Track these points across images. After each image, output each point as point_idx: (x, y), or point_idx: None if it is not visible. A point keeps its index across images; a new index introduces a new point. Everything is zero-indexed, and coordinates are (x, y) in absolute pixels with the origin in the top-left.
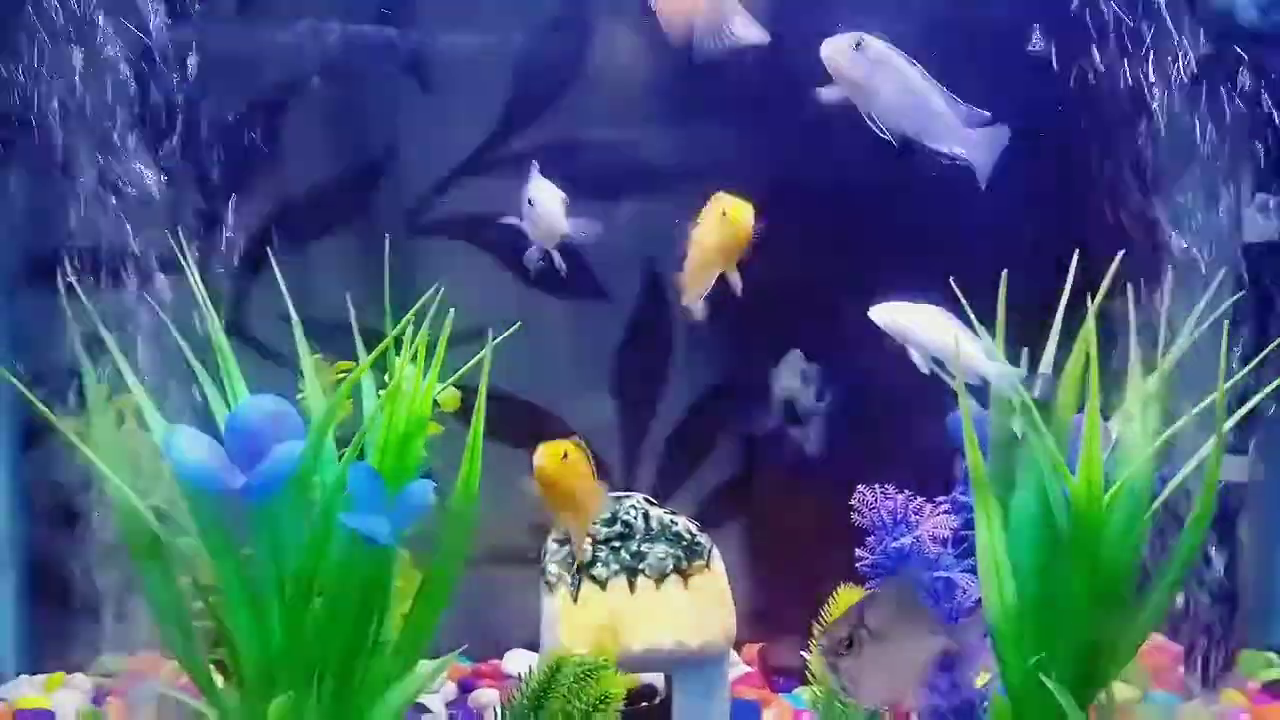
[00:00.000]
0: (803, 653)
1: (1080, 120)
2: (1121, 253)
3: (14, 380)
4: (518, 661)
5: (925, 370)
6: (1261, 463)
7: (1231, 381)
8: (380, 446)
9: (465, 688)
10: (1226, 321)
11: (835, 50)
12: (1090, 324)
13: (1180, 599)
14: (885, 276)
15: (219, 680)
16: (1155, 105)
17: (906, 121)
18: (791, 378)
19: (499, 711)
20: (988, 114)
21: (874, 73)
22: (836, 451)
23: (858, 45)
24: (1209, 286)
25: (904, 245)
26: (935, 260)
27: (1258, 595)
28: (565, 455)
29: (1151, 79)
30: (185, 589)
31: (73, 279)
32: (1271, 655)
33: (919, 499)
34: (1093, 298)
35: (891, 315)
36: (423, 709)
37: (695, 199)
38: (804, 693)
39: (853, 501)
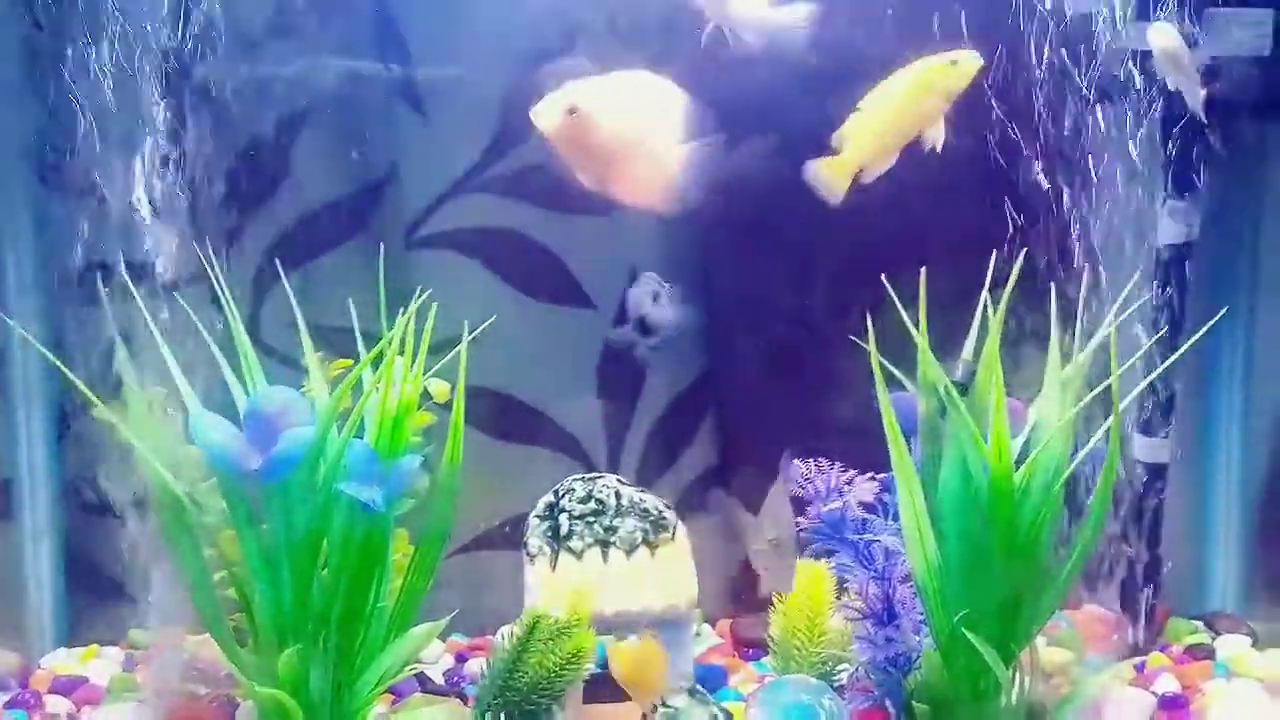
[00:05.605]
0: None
1: (1014, 128)
2: (1024, 250)
3: (65, 370)
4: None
5: None
6: (1179, 446)
7: (1128, 364)
8: (375, 426)
9: (460, 659)
10: (1112, 311)
11: None
12: (1000, 315)
13: (1117, 574)
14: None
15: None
16: (1080, 120)
17: None
18: (645, 297)
19: (484, 667)
20: None
21: None
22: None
23: None
24: (1125, 283)
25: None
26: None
27: (1183, 569)
28: None
29: (1080, 96)
30: (209, 560)
31: (110, 287)
32: (1195, 623)
33: (851, 471)
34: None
35: None
36: (424, 678)
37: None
38: (768, 660)
39: (791, 475)
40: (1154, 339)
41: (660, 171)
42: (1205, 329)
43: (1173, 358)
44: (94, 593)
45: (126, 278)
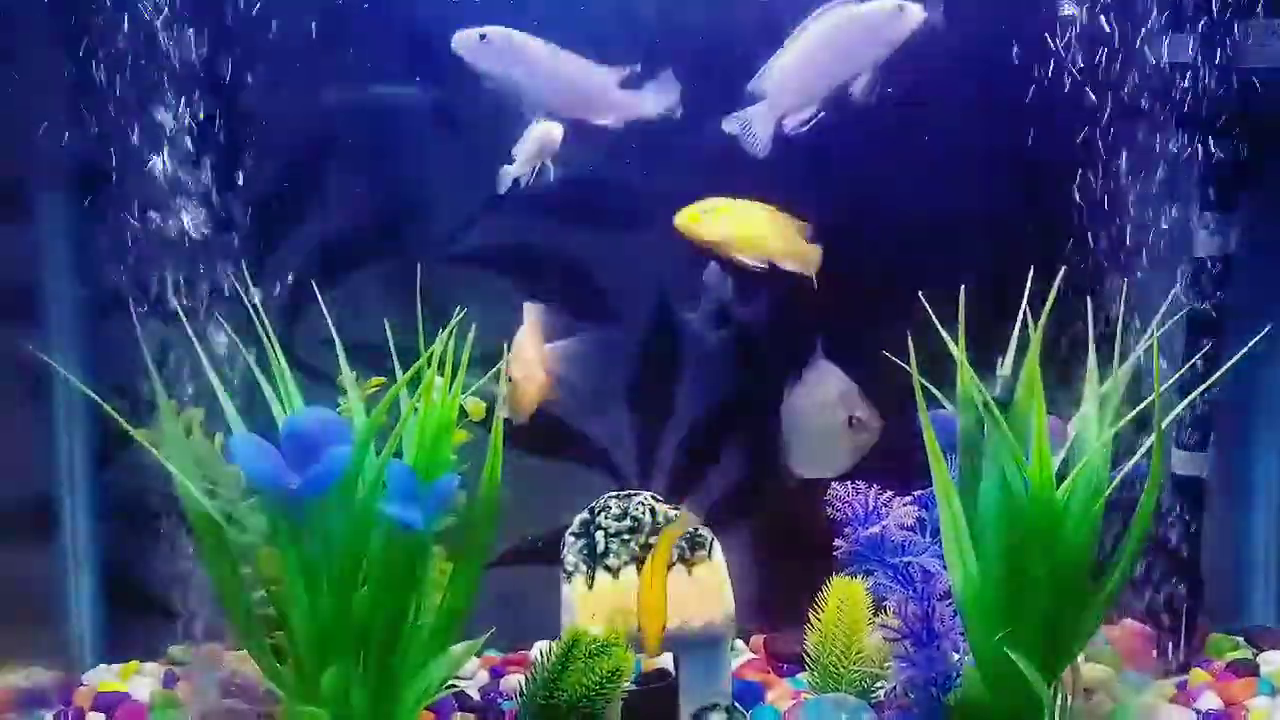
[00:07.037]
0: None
1: (1050, 140)
2: (1064, 268)
3: (94, 396)
4: None
5: None
6: (1219, 458)
7: (1171, 381)
8: (414, 446)
9: (496, 674)
10: (1153, 325)
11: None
12: (1039, 331)
13: (1153, 588)
14: None
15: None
16: (1117, 133)
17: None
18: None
19: (522, 684)
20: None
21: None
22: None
23: (482, 38)
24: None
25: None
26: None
27: (1224, 584)
28: None
29: (1115, 108)
30: (246, 578)
31: (145, 308)
32: (1236, 638)
33: (888, 493)
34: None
35: None
36: (463, 696)
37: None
38: (804, 677)
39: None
40: (1197, 355)
41: (536, 377)
42: (1250, 345)
43: (1218, 374)
44: (134, 609)
45: (172, 298)
